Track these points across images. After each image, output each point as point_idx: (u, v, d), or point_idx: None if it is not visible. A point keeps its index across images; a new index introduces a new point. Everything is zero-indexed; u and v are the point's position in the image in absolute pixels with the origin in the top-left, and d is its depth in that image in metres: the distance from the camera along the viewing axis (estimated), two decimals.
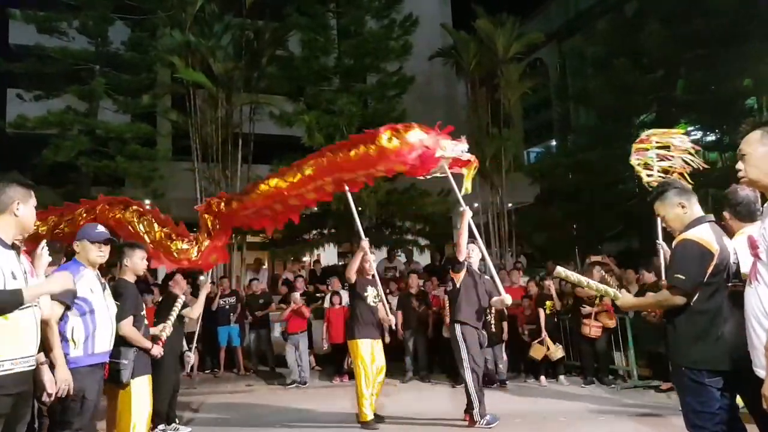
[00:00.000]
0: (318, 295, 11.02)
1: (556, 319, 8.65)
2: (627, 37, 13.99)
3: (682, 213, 3.09)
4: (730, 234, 3.30)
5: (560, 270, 3.60)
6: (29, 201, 2.81)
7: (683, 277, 2.90)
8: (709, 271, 2.88)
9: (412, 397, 7.72)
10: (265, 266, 17.23)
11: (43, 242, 3.10)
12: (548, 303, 8.57)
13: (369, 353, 5.99)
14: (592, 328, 7.97)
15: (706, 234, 2.95)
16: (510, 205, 16.18)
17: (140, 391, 3.98)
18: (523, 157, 22.24)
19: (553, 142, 22.99)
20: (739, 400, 2.95)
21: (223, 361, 10.01)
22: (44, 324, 3.24)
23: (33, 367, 2.78)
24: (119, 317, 3.88)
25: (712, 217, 3.09)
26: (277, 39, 14.19)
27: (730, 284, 2.93)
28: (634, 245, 14.27)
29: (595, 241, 14.53)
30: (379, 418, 6.02)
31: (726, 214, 3.34)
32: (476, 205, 16.57)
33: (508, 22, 14.98)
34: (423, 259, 14.36)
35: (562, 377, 8.32)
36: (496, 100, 15.65)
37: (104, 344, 3.62)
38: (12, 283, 2.64)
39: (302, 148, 12.91)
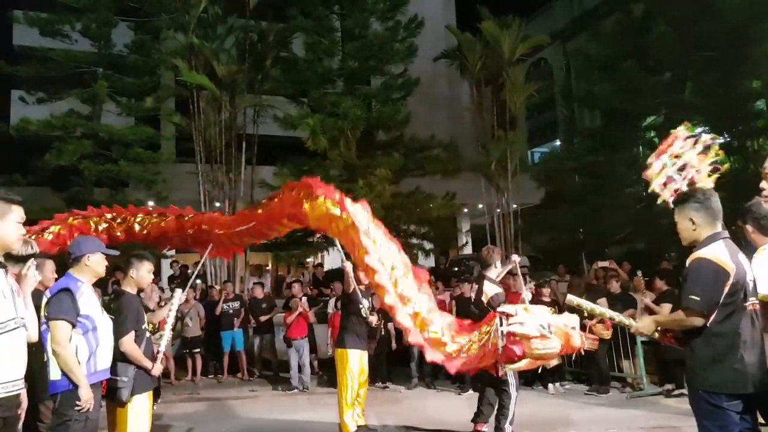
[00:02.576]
0: (321, 299, 10.95)
1: None
2: (633, 38, 13.85)
3: (690, 228, 2.98)
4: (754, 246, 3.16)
5: (572, 298, 3.40)
6: (8, 216, 2.63)
7: (697, 298, 2.79)
8: (726, 290, 2.77)
9: (417, 404, 7.65)
10: (269, 267, 17.23)
11: (31, 261, 2.99)
12: None
13: (357, 364, 5.91)
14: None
15: (720, 252, 2.84)
16: (515, 206, 16.07)
17: (139, 410, 3.85)
18: (527, 158, 22.12)
19: (557, 142, 22.85)
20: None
21: (227, 366, 9.94)
22: (55, 346, 3.23)
23: (21, 390, 2.67)
24: (120, 333, 3.78)
25: (726, 233, 2.96)
26: (280, 41, 14.14)
27: (747, 303, 2.82)
28: (640, 247, 14.12)
29: (601, 244, 14.39)
30: (365, 429, 5.91)
31: (749, 227, 3.19)
32: (480, 206, 16.51)
33: (513, 24, 14.85)
34: (427, 263, 14.27)
35: (568, 385, 8.22)
36: (501, 101, 15.53)
37: (105, 361, 3.56)
38: (2, 302, 2.57)
39: (306, 151, 12.90)
